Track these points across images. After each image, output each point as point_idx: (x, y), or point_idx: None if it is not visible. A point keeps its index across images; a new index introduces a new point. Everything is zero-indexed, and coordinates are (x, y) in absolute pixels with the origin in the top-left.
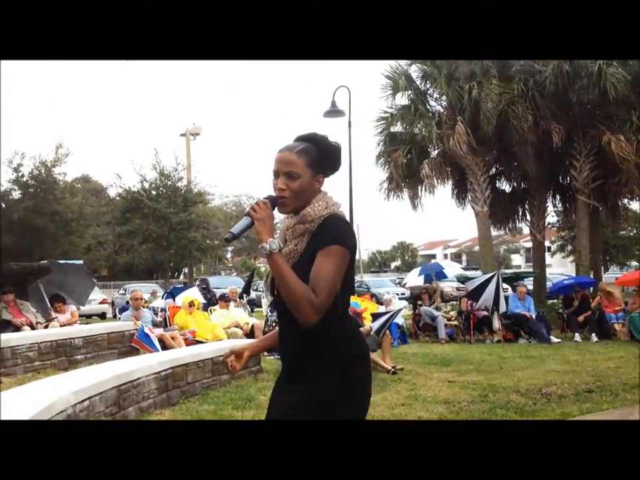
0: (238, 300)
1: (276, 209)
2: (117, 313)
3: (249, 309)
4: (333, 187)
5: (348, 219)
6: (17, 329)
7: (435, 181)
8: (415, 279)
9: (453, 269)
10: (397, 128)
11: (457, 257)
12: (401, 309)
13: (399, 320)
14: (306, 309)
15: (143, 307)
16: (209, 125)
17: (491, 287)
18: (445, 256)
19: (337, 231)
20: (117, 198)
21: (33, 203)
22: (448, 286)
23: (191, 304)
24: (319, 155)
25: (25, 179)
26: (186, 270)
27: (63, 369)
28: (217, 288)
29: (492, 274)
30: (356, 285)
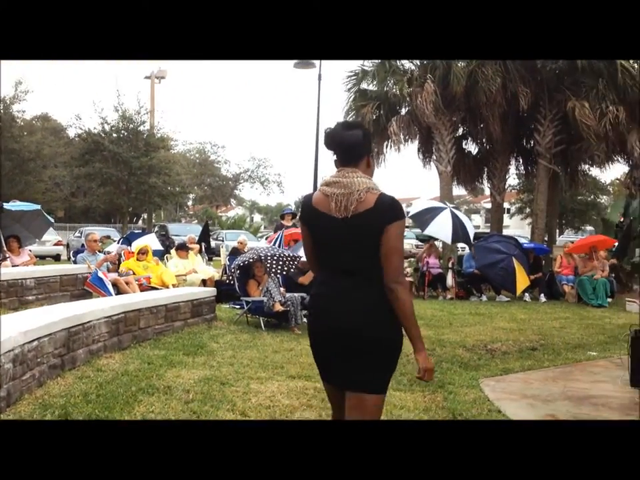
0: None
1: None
2: (71, 256)
3: (207, 257)
4: (299, 140)
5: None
6: None
7: (402, 138)
8: None
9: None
10: (368, 85)
11: None
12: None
13: None
14: None
15: (98, 251)
16: (175, 68)
17: (444, 219)
18: (407, 213)
19: None
20: (77, 139)
21: None
22: (407, 243)
23: (143, 251)
24: None
25: None
26: (145, 216)
27: (13, 309)
28: (177, 235)
29: (441, 206)
30: None
